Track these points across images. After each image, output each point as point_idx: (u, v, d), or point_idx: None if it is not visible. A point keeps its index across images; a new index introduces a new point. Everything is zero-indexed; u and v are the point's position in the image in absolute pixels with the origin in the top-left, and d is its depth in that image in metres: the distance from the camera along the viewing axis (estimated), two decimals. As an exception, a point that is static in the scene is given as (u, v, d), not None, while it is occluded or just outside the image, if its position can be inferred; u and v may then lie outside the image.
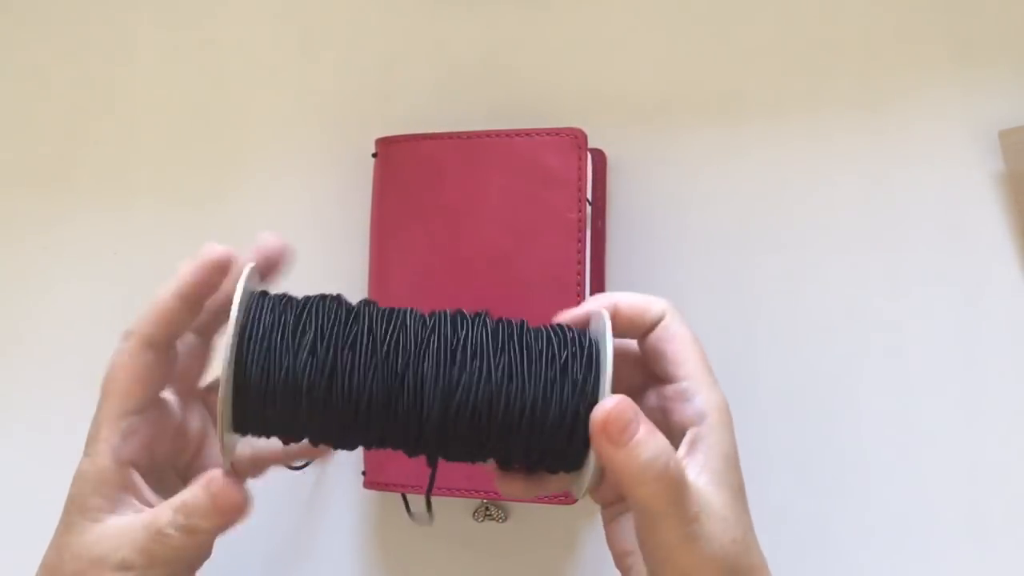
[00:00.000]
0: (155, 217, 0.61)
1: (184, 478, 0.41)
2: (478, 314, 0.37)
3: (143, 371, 0.38)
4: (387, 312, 0.37)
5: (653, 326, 0.38)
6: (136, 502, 0.38)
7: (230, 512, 0.37)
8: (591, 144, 0.53)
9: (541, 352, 0.35)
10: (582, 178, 0.51)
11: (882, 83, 0.54)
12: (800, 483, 0.51)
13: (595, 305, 0.38)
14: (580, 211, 0.51)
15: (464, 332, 0.36)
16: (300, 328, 0.36)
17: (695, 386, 0.36)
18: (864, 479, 0.51)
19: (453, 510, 0.54)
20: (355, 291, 0.56)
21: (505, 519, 0.54)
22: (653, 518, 0.33)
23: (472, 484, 0.51)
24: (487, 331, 0.36)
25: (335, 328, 0.36)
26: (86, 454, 0.38)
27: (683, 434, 0.36)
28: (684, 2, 0.56)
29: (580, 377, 0.35)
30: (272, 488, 0.56)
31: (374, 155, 0.55)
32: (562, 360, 0.35)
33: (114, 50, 0.64)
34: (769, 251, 0.53)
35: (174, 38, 0.63)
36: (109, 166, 0.62)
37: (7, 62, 0.65)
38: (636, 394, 0.40)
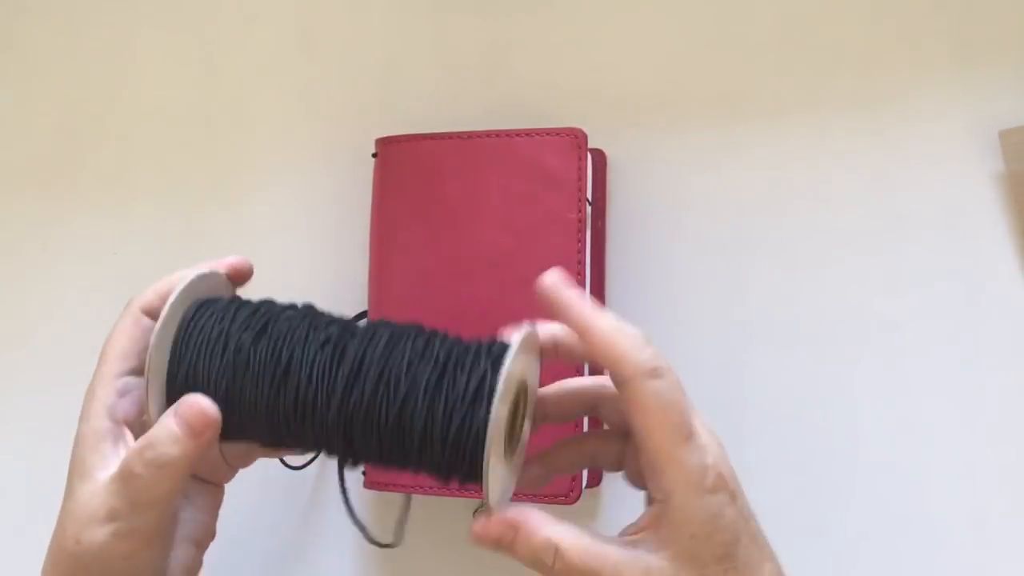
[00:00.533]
0: (155, 217, 0.61)
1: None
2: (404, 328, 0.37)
3: (141, 334, 0.38)
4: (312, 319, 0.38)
5: (619, 384, 0.36)
6: None
7: (199, 424, 0.36)
8: (591, 144, 0.53)
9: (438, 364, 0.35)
10: (582, 178, 0.51)
11: (882, 83, 0.54)
12: (800, 483, 0.51)
13: (570, 317, 0.36)
14: (580, 211, 0.51)
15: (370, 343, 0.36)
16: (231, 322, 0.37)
17: (660, 464, 0.34)
18: (864, 479, 0.51)
19: (453, 510, 0.54)
20: (355, 291, 0.56)
21: None
22: None
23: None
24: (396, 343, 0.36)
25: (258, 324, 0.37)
26: (81, 419, 0.39)
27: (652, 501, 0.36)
28: (684, 2, 0.56)
29: (470, 393, 0.35)
30: (272, 488, 0.56)
31: (374, 155, 0.55)
32: (461, 373, 0.35)
33: (114, 50, 0.64)
34: (769, 251, 0.53)
35: (174, 38, 0.63)
36: (109, 167, 0.62)
37: (7, 62, 0.65)
38: (627, 435, 0.39)
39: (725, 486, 0.35)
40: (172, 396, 0.37)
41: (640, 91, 0.56)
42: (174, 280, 0.39)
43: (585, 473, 0.51)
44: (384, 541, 0.52)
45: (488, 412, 0.34)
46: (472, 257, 0.52)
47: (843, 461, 0.51)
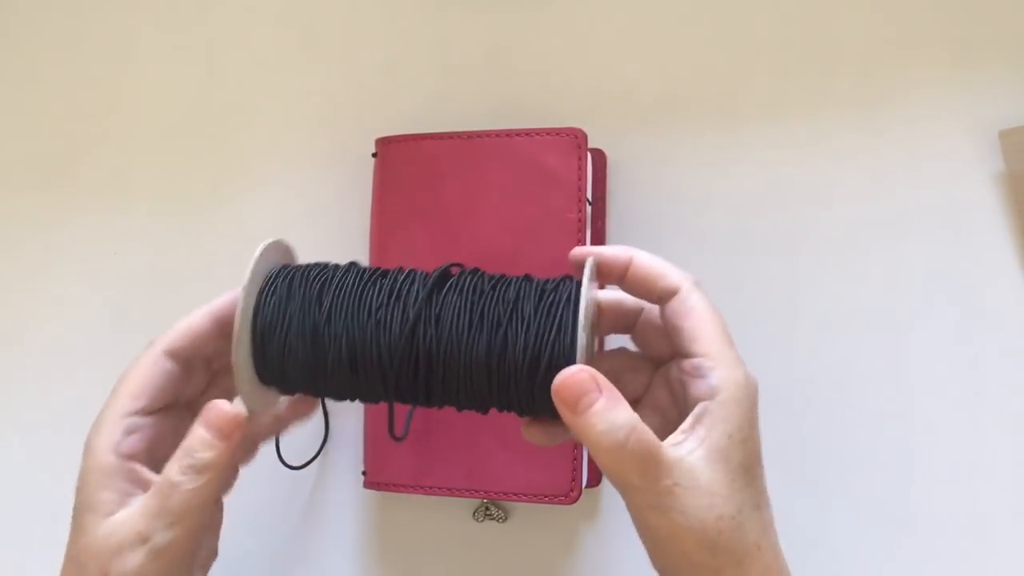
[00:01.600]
0: (155, 218, 0.61)
1: None
2: (471, 272, 0.39)
3: (157, 377, 0.39)
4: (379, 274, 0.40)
5: (668, 296, 0.38)
6: (143, 493, 0.38)
7: (227, 426, 0.37)
8: (591, 144, 0.53)
9: (518, 303, 0.37)
10: (582, 178, 0.51)
11: (882, 83, 0.54)
12: (800, 483, 0.51)
13: (607, 250, 0.39)
14: (580, 211, 0.51)
15: (447, 291, 0.38)
16: (308, 288, 0.39)
17: (710, 363, 0.36)
18: (864, 479, 0.51)
19: (453, 510, 0.54)
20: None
21: (505, 519, 0.54)
22: (620, 486, 0.34)
23: (472, 484, 0.51)
24: (467, 287, 0.38)
25: (338, 287, 0.39)
26: (86, 453, 0.39)
27: (695, 406, 0.36)
28: (684, 2, 0.57)
29: (553, 328, 0.36)
30: (272, 488, 0.56)
31: (374, 155, 0.55)
32: (540, 310, 0.37)
33: (114, 50, 0.64)
34: (769, 251, 0.53)
35: (174, 38, 0.63)
36: (109, 167, 0.62)
37: (7, 62, 0.65)
38: (666, 359, 0.41)
39: (756, 406, 0.37)
40: (259, 358, 0.38)
41: (640, 91, 0.56)
42: (194, 320, 0.40)
43: (585, 473, 0.51)
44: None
45: (575, 329, 0.36)
46: (472, 257, 0.52)
47: (843, 460, 0.51)
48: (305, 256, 0.59)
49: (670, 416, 0.40)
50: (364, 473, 0.53)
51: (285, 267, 0.40)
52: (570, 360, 0.36)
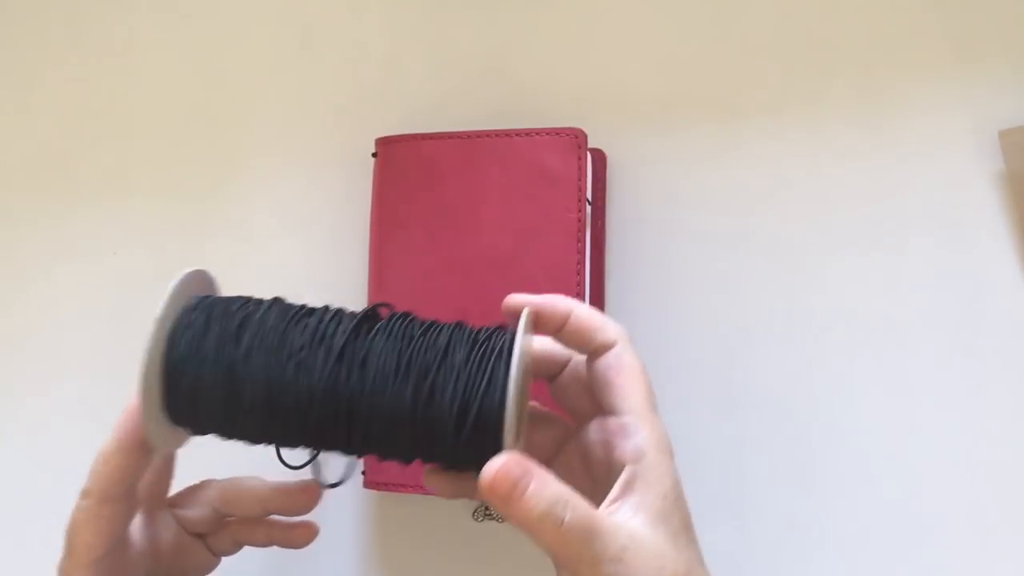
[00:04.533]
0: (155, 217, 0.61)
1: None
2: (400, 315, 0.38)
3: (103, 525, 0.39)
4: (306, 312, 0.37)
5: (602, 350, 0.38)
6: None
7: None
8: (591, 144, 0.53)
9: (447, 351, 0.36)
10: (582, 178, 0.51)
11: (882, 83, 0.54)
12: (800, 483, 0.51)
13: (545, 301, 0.38)
14: (580, 211, 0.51)
15: (375, 333, 0.36)
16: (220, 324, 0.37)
17: (637, 422, 0.36)
18: (864, 479, 0.51)
19: (453, 510, 0.54)
20: (355, 291, 0.56)
21: (505, 519, 0.53)
22: (569, 564, 0.33)
23: (472, 484, 0.51)
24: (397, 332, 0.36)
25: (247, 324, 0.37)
26: None
27: (622, 469, 0.36)
28: (684, 2, 0.57)
29: (484, 381, 0.35)
30: (272, 488, 0.56)
31: (374, 155, 0.55)
32: (472, 356, 0.35)
33: (114, 50, 0.64)
34: (769, 251, 0.53)
35: (174, 38, 0.63)
36: (109, 166, 0.62)
37: (7, 62, 0.65)
38: (583, 417, 0.40)
39: (674, 464, 0.37)
40: (169, 394, 0.37)
41: (640, 91, 0.56)
42: (111, 461, 0.39)
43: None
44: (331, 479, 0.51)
45: (505, 391, 0.34)
46: (472, 257, 0.52)
47: (843, 461, 0.51)
48: (305, 256, 0.59)
49: (582, 483, 0.38)
50: (364, 473, 0.53)
51: (205, 298, 0.38)
52: (499, 417, 0.34)
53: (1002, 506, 0.49)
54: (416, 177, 0.53)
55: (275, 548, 0.50)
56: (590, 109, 0.56)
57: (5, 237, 0.63)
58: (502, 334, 0.36)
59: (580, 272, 0.50)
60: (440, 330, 0.36)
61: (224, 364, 0.35)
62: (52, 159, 0.63)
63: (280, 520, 0.45)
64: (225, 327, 0.36)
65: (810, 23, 0.55)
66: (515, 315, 0.37)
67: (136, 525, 0.42)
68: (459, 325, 0.37)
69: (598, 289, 0.53)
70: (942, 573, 0.50)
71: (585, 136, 0.52)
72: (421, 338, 0.36)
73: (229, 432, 0.38)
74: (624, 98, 0.56)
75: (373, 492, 0.55)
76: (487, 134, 0.53)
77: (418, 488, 0.52)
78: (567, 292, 0.50)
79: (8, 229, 0.63)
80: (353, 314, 0.37)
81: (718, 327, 0.53)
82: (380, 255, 0.54)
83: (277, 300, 0.38)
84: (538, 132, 0.52)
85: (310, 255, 0.59)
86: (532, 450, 0.40)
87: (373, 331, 0.36)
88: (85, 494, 0.39)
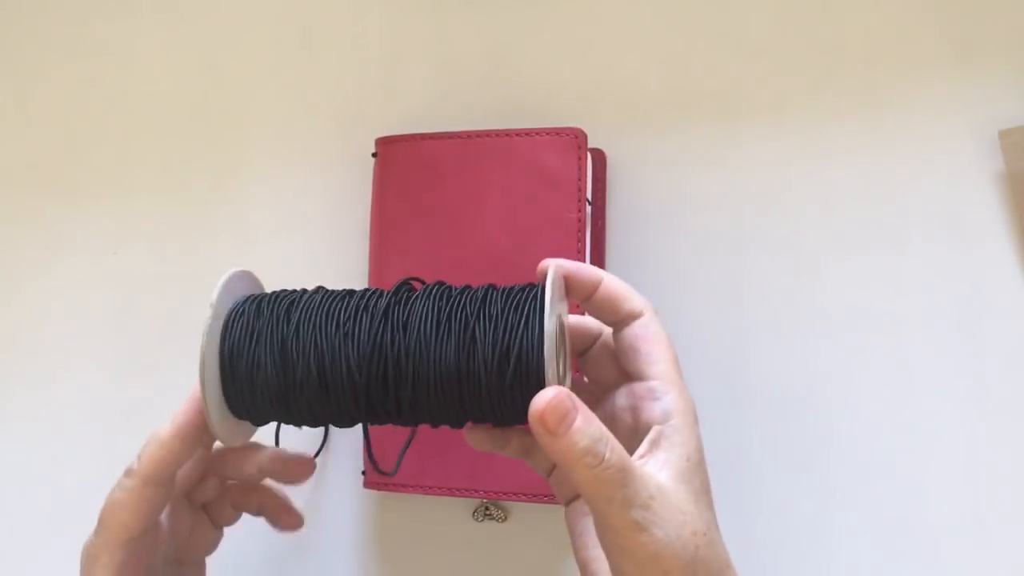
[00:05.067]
0: (155, 217, 0.61)
1: (177, 562, 0.44)
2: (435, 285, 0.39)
3: (144, 506, 0.39)
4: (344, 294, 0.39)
5: (630, 319, 0.39)
6: None
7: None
8: (591, 144, 0.53)
9: (487, 316, 0.37)
10: (582, 178, 0.51)
11: (882, 83, 0.54)
12: (800, 483, 0.51)
13: (578, 267, 0.39)
14: (580, 211, 0.51)
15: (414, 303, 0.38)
16: (271, 315, 0.38)
17: (664, 386, 0.37)
18: (864, 479, 0.51)
19: (453, 510, 0.54)
20: (355, 291, 0.56)
21: (505, 519, 0.54)
22: (600, 503, 0.33)
23: (472, 484, 0.51)
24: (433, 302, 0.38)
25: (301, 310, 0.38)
26: None
27: (649, 431, 0.36)
28: (684, 2, 0.57)
29: (521, 322, 0.36)
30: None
31: (374, 155, 0.55)
32: (504, 319, 0.37)
33: (114, 50, 0.64)
34: (769, 251, 0.53)
35: (174, 37, 0.63)
36: (109, 166, 0.62)
37: (7, 62, 0.65)
38: (610, 388, 0.41)
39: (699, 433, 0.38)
40: (227, 381, 0.38)
41: (640, 91, 0.56)
42: (164, 443, 0.39)
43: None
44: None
45: (542, 325, 0.36)
46: (472, 257, 0.52)
47: (843, 460, 0.51)
48: (305, 255, 0.59)
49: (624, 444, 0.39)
50: (364, 473, 0.53)
51: (252, 296, 0.40)
52: (538, 355, 0.35)
53: (1002, 505, 0.49)
54: (416, 177, 0.53)
55: (275, 548, 0.50)
56: (590, 109, 0.56)
57: (5, 237, 0.63)
58: (534, 287, 0.38)
59: (580, 272, 0.50)
60: (475, 290, 0.38)
61: (277, 341, 0.37)
62: (52, 159, 0.63)
63: (274, 498, 0.46)
64: (274, 311, 0.38)
65: (810, 23, 0.55)
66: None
67: (166, 519, 0.42)
68: (492, 285, 0.38)
69: (598, 289, 0.53)
70: (943, 572, 0.50)
71: (585, 136, 0.52)
72: (459, 297, 0.37)
73: (287, 413, 0.39)
74: (624, 98, 0.56)
75: (373, 492, 0.55)
76: (487, 134, 0.53)
77: (418, 488, 0.52)
78: (567, 292, 0.50)
79: (8, 229, 0.63)
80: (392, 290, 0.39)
81: (718, 327, 0.53)
82: (380, 255, 0.54)
83: (321, 287, 0.40)
84: (538, 132, 0.52)
85: (310, 255, 0.59)
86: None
87: (412, 298, 0.38)
88: (130, 474, 0.39)
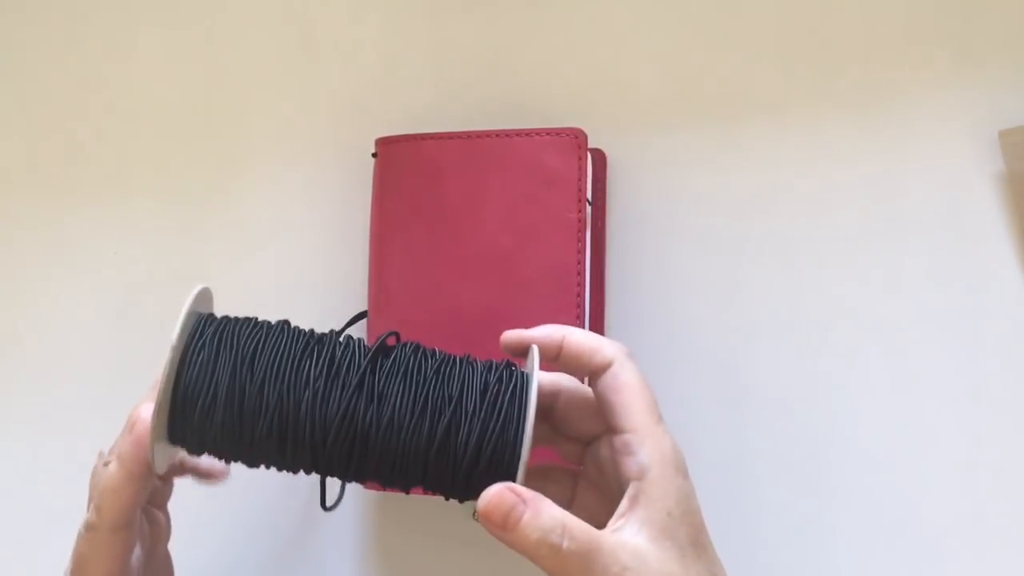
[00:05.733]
0: (155, 217, 0.61)
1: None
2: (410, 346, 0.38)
3: (116, 552, 0.39)
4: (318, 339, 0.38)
5: (600, 371, 0.38)
6: None
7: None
8: (591, 144, 0.53)
9: (464, 389, 0.37)
10: (582, 178, 0.51)
11: (882, 83, 0.54)
12: (800, 483, 0.51)
13: (540, 333, 0.39)
14: (580, 211, 0.51)
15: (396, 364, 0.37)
16: (241, 349, 0.37)
17: (639, 438, 0.36)
18: (864, 479, 0.51)
19: (453, 510, 0.54)
20: (355, 291, 0.56)
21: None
22: None
23: (472, 484, 0.51)
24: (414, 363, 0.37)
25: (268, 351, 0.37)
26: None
27: (628, 486, 0.36)
28: (684, 2, 0.56)
29: (499, 426, 0.36)
30: (272, 488, 0.56)
31: (374, 155, 0.55)
32: (487, 396, 0.36)
33: (114, 50, 0.64)
34: (769, 251, 0.53)
35: (174, 38, 0.63)
36: (109, 166, 0.62)
37: (7, 62, 0.65)
38: (593, 439, 0.40)
39: (688, 475, 0.37)
40: (176, 419, 0.37)
41: (640, 91, 0.56)
42: (120, 490, 0.38)
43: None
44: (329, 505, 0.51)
45: (522, 433, 0.35)
46: (472, 257, 0.52)
47: (843, 460, 0.51)
48: (306, 255, 0.59)
49: (600, 507, 0.39)
50: (364, 473, 0.53)
51: (211, 318, 0.38)
52: (512, 464, 0.36)
53: (1003, 505, 0.49)
54: (416, 177, 0.53)
55: (275, 548, 0.50)
56: (590, 109, 0.56)
57: (5, 237, 0.63)
58: (511, 375, 0.37)
59: (580, 272, 0.50)
60: (453, 365, 0.37)
61: (237, 394, 0.36)
62: (52, 159, 0.63)
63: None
64: (238, 354, 0.36)
65: (810, 23, 0.55)
66: (514, 350, 0.39)
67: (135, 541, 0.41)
68: (470, 363, 0.38)
69: (598, 289, 0.53)
70: (943, 572, 0.50)
71: (585, 136, 0.52)
72: (437, 374, 0.37)
73: (235, 455, 0.38)
74: (624, 98, 0.56)
75: (373, 492, 0.55)
76: (487, 134, 0.53)
77: (418, 488, 0.52)
78: (567, 292, 0.50)
79: (8, 229, 0.63)
80: (364, 345, 0.38)
81: (718, 327, 0.53)
82: (380, 255, 0.54)
83: (285, 324, 0.38)
84: (538, 132, 0.52)
85: (310, 255, 0.59)
86: (551, 487, 0.41)
87: (389, 363, 0.37)
88: (92, 527, 0.39)
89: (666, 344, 0.53)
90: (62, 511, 0.41)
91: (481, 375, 0.37)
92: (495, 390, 0.36)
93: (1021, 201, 0.50)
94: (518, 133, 0.52)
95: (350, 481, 0.38)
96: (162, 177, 0.62)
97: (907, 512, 0.50)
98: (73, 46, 0.64)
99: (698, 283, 0.54)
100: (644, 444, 0.36)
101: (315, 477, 0.56)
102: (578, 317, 0.49)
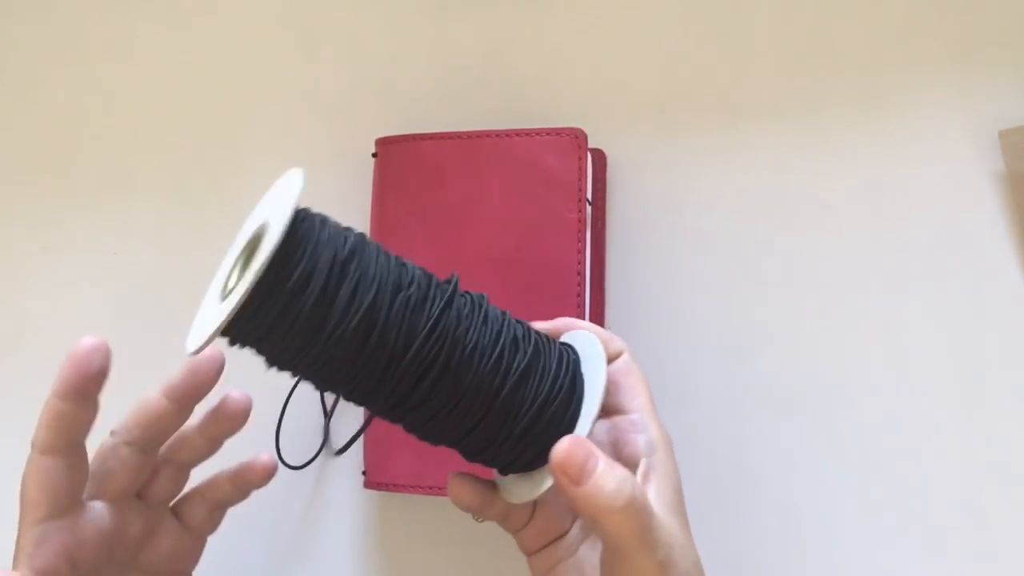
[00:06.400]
0: (155, 217, 0.61)
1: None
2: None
3: (45, 478, 0.38)
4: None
5: (614, 357, 0.40)
6: None
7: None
8: (591, 144, 0.53)
9: (545, 356, 0.37)
10: (582, 178, 0.51)
11: (882, 83, 0.54)
12: (800, 483, 0.51)
13: (560, 323, 0.41)
14: (580, 211, 0.51)
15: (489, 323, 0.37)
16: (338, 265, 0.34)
17: (646, 419, 0.38)
18: (864, 479, 0.51)
19: (453, 510, 0.54)
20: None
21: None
22: (627, 551, 0.33)
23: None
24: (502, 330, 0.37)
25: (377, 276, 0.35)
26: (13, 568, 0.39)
27: (634, 465, 0.37)
28: (684, 2, 0.57)
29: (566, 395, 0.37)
30: (272, 488, 0.56)
31: (374, 155, 0.55)
32: (560, 370, 0.37)
33: (114, 50, 0.64)
34: (769, 251, 0.53)
35: (174, 38, 0.63)
36: (109, 166, 0.62)
37: (7, 62, 0.65)
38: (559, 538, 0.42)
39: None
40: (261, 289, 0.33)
41: (640, 91, 0.56)
42: (57, 404, 0.39)
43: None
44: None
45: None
46: (472, 257, 0.52)
47: (843, 460, 0.51)
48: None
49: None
50: (364, 473, 0.53)
51: (308, 212, 0.36)
52: (572, 426, 0.36)
53: (1003, 505, 0.49)
54: (416, 177, 0.53)
55: (275, 548, 0.50)
56: (590, 109, 0.56)
57: (5, 237, 0.63)
58: (573, 350, 0.39)
59: (580, 272, 0.50)
60: (522, 324, 0.38)
61: (333, 284, 0.33)
62: (52, 159, 0.63)
63: (238, 468, 0.45)
64: (336, 251, 0.34)
65: (810, 23, 0.55)
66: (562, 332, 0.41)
67: (98, 508, 0.40)
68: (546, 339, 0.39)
69: (598, 289, 0.53)
70: (943, 572, 0.50)
71: (585, 136, 0.52)
72: (512, 327, 0.37)
73: (294, 356, 0.34)
74: (624, 98, 0.56)
75: (373, 492, 0.55)
76: (487, 134, 0.53)
77: (418, 488, 0.52)
78: (567, 292, 0.50)
79: (8, 229, 0.63)
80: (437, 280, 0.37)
81: (718, 327, 0.53)
82: (380, 255, 0.54)
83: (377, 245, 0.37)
84: (538, 132, 0.52)
85: (310, 255, 0.59)
86: (551, 520, 0.42)
87: (468, 302, 0.37)
88: (32, 445, 0.39)
89: (666, 344, 0.53)
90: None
91: (548, 339, 0.38)
92: (568, 356, 0.37)
93: (1021, 201, 0.51)
94: (518, 133, 0.52)
95: (390, 413, 0.36)
96: (162, 177, 0.62)
97: (907, 511, 0.50)
98: (73, 46, 0.65)
99: (698, 283, 0.54)
100: (650, 424, 0.38)
101: (318, 474, 0.56)
102: (578, 317, 0.49)
